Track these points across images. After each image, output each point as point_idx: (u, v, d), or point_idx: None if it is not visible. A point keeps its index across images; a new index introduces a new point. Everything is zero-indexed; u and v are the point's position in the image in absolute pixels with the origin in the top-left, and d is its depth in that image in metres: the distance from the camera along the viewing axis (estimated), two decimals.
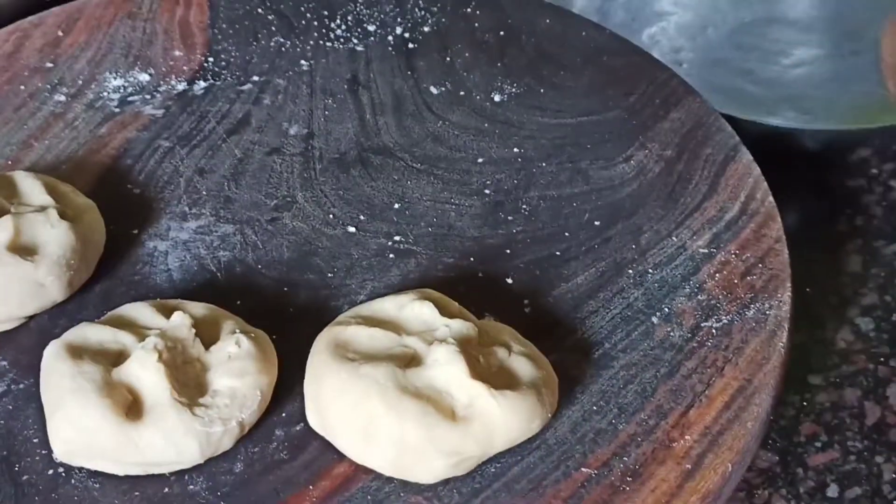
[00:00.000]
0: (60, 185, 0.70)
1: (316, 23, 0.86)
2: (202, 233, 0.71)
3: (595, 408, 0.62)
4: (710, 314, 0.66)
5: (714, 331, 0.65)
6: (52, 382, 0.59)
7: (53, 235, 0.66)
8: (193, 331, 0.60)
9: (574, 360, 0.64)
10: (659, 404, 0.62)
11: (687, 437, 0.61)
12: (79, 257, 0.66)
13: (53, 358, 0.60)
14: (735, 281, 0.68)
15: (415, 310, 0.61)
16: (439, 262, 0.70)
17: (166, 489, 0.59)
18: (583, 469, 0.59)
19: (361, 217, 0.72)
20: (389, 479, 0.59)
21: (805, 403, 0.72)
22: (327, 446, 0.60)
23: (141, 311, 0.62)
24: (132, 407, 0.58)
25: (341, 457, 0.60)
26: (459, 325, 0.60)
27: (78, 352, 0.60)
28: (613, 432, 0.61)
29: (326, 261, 0.70)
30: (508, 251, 0.70)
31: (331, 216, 0.72)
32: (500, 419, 0.57)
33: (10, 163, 0.76)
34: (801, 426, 0.70)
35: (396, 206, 0.73)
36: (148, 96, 0.80)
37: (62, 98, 0.80)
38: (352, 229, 0.72)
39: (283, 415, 0.62)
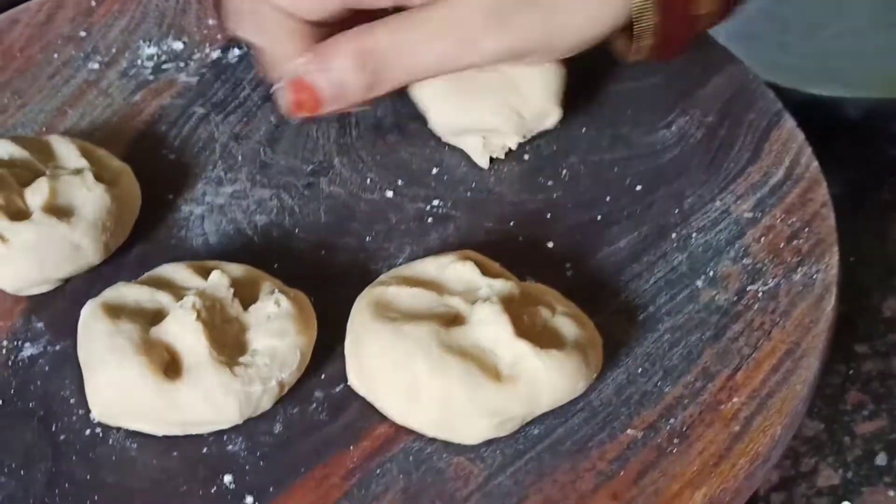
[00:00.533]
0: (96, 150, 0.70)
1: None
2: (238, 197, 0.71)
3: (640, 370, 0.61)
4: (756, 278, 0.65)
5: (760, 294, 0.64)
6: (90, 341, 0.58)
7: (89, 198, 0.65)
8: (232, 290, 0.59)
9: (618, 323, 0.63)
10: (705, 367, 0.61)
11: (735, 399, 0.59)
12: (114, 220, 0.66)
13: (90, 317, 0.59)
14: (781, 245, 0.66)
15: (456, 270, 0.60)
16: (478, 226, 0.69)
17: (205, 449, 0.58)
18: (629, 431, 0.58)
19: (399, 182, 0.71)
20: (431, 440, 0.58)
21: (851, 372, 0.70)
22: (368, 407, 0.59)
23: (178, 272, 0.62)
24: (170, 366, 0.57)
25: (382, 418, 0.59)
26: (502, 285, 0.59)
27: (115, 311, 0.59)
28: (659, 395, 0.60)
29: (364, 224, 0.69)
30: (549, 216, 0.69)
31: (368, 181, 0.71)
32: (546, 378, 0.56)
33: (44, 129, 0.75)
34: (847, 395, 0.69)
35: (434, 171, 0.72)
36: (182, 64, 0.80)
37: (95, 66, 0.79)
38: (389, 194, 0.71)
39: (323, 376, 0.61)
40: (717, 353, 0.61)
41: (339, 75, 0.61)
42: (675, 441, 0.58)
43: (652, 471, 0.57)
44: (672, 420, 0.59)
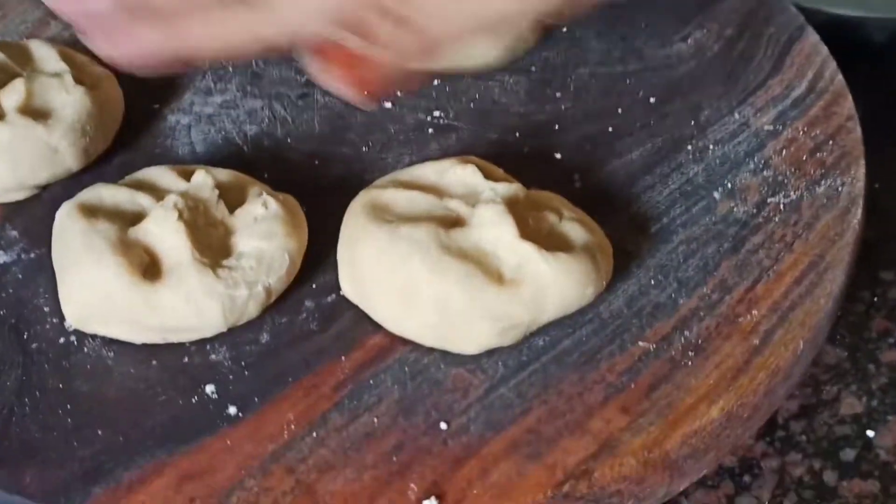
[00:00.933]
0: (77, 55, 0.66)
1: None
2: (227, 107, 0.67)
3: (653, 282, 0.57)
4: (777, 190, 0.61)
5: (782, 206, 0.60)
6: (64, 242, 0.54)
7: (68, 100, 0.61)
8: (217, 192, 0.56)
9: (629, 235, 0.59)
10: (723, 279, 0.57)
11: (754, 311, 0.55)
12: (95, 124, 0.62)
13: (66, 217, 0.55)
14: (803, 157, 0.62)
15: (457, 173, 0.56)
16: (482, 137, 0.65)
17: (186, 359, 0.54)
18: (640, 343, 0.54)
19: (398, 92, 0.67)
20: (429, 350, 0.54)
21: (876, 299, 0.66)
22: (361, 317, 0.55)
23: (161, 175, 0.58)
24: (150, 269, 0.53)
25: (376, 328, 0.55)
26: (506, 187, 0.55)
27: (92, 211, 0.55)
28: (673, 306, 0.56)
29: (361, 135, 0.65)
30: (557, 127, 0.65)
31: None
32: (552, 282, 0.52)
33: (25, 39, 0.71)
34: (871, 322, 0.65)
35: (436, 82, 0.68)
36: None
37: None
38: (388, 104, 0.67)
39: (314, 286, 0.57)
40: (736, 266, 0.57)
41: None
42: (690, 354, 0.54)
43: (664, 384, 0.53)
44: (686, 332, 0.55)
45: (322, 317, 0.56)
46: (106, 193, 0.56)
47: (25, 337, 0.55)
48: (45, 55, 0.64)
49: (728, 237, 0.59)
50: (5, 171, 0.59)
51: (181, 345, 0.54)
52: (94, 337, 0.54)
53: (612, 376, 0.53)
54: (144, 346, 0.54)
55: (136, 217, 0.55)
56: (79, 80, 0.62)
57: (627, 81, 0.68)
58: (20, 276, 0.57)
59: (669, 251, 0.58)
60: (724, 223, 0.59)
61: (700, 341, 0.54)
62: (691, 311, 0.55)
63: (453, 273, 0.52)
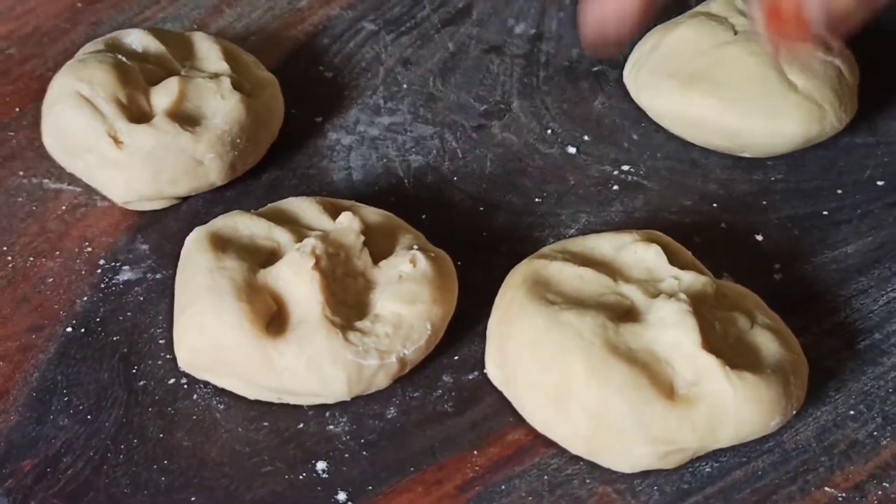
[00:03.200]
0: (242, 55, 0.60)
1: None
2: (395, 131, 0.60)
3: (852, 412, 0.48)
4: None
5: None
6: (189, 275, 0.49)
7: (222, 107, 0.56)
8: (362, 238, 0.49)
9: (831, 348, 0.51)
10: None
11: None
12: (247, 137, 0.56)
13: (194, 246, 0.50)
14: None
15: (638, 252, 0.49)
16: (674, 202, 0.57)
17: (301, 425, 0.48)
18: (826, 488, 0.46)
19: (586, 137, 0.60)
20: (575, 459, 0.47)
21: None
22: (504, 405, 0.48)
23: (305, 208, 0.52)
24: (275, 319, 0.47)
25: (519, 421, 0.48)
26: (693, 279, 0.47)
27: (223, 243, 0.49)
28: (874, 447, 0.47)
29: (535, 182, 0.58)
30: (763, 202, 0.57)
31: (549, 131, 0.60)
32: (733, 407, 0.44)
33: (195, 26, 0.66)
34: None
35: (629, 130, 0.60)
36: None
37: None
38: (572, 150, 0.59)
39: (456, 358, 0.50)
40: None
41: None
42: None
43: None
44: (885, 483, 0.46)
45: (459, 397, 0.49)
46: (242, 223, 0.50)
47: (134, 371, 0.50)
48: (208, 51, 0.59)
49: None
50: (144, 179, 0.54)
51: (298, 408, 0.48)
52: (205, 384, 0.49)
53: None
54: (257, 402, 0.48)
55: (271, 255, 0.49)
56: (238, 85, 0.57)
57: (852, 156, 0.58)
58: (142, 299, 0.52)
59: (878, 376, 0.50)
60: None
61: None
62: (894, 457, 0.46)
63: (617, 379, 0.44)
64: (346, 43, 0.65)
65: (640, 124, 0.60)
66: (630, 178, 0.58)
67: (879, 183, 0.57)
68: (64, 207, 0.56)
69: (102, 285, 0.53)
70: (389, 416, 0.48)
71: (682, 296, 0.46)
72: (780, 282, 0.53)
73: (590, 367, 0.44)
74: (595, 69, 0.63)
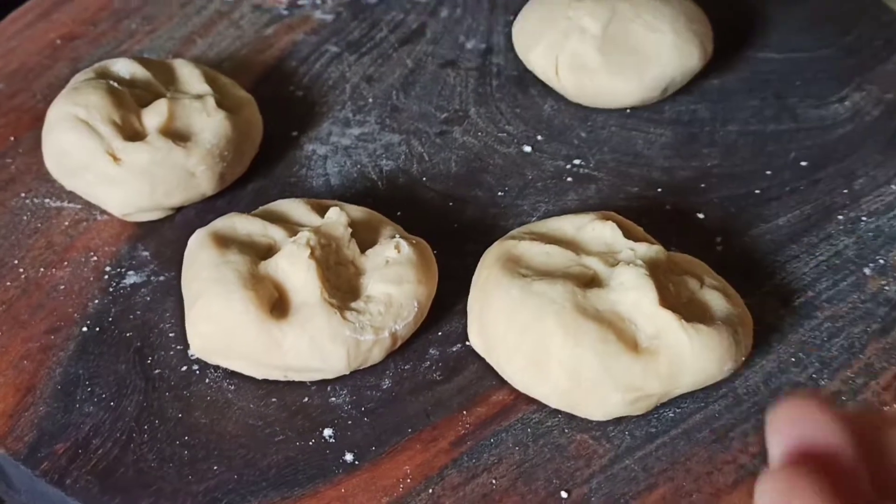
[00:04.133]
0: (220, 77, 0.66)
1: None
2: (365, 140, 0.66)
3: (793, 359, 0.54)
4: None
5: None
6: (195, 271, 0.54)
7: (209, 123, 0.61)
8: (350, 230, 0.55)
9: (771, 306, 0.56)
10: (869, 362, 0.54)
11: None
12: (233, 150, 0.61)
13: (198, 246, 0.55)
14: None
15: (595, 230, 0.54)
16: (623, 190, 0.63)
17: (306, 398, 0.53)
18: None
19: (539, 137, 0.66)
20: (554, 413, 0.52)
21: None
22: (487, 370, 0.53)
23: (295, 207, 0.57)
24: (277, 305, 0.53)
25: (501, 383, 0.53)
26: (647, 248, 0.53)
27: (224, 241, 0.54)
28: (814, 388, 0.53)
29: (497, 178, 0.63)
30: (702, 185, 0.63)
31: (505, 133, 0.66)
32: (690, 355, 0.50)
33: (170, 56, 0.71)
34: None
35: (578, 129, 0.66)
36: (318, 1, 0.75)
37: None
38: (527, 148, 0.65)
39: (440, 334, 0.56)
40: (884, 349, 0.54)
41: None
42: None
43: None
44: None
45: (446, 367, 0.54)
46: (239, 223, 0.56)
47: (149, 362, 0.54)
48: (189, 76, 0.64)
49: (877, 317, 0.56)
50: (142, 192, 0.59)
51: (302, 384, 0.53)
52: (216, 368, 0.54)
53: (745, 457, 0.50)
54: (265, 381, 0.53)
55: (268, 250, 0.55)
56: (220, 104, 0.62)
57: (779, 142, 0.65)
58: (148, 299, 0.57)
59: (813, 328, 0.55)
60: (873, 302, 0.56)
61: None
62: (833, 395, 0.53)
63: (589, 337, 0.50)
64: (312, 64, 0.71)
65: (586, 123, 0.66)
66: (582, 170, 0.64)
67: (803, 163, 0.64)
68: (67, 223, 0.61)
69: (111, 289, 0.58)
70: (385, 387, 0.53)
71: (640, 262, 0.52)
72: (722, 253, 0.59)
73: (563, 328, 0.50)
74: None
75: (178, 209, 0.62)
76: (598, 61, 0.65)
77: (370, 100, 0.68)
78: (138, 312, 0.57)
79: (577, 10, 0.66)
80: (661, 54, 0.65)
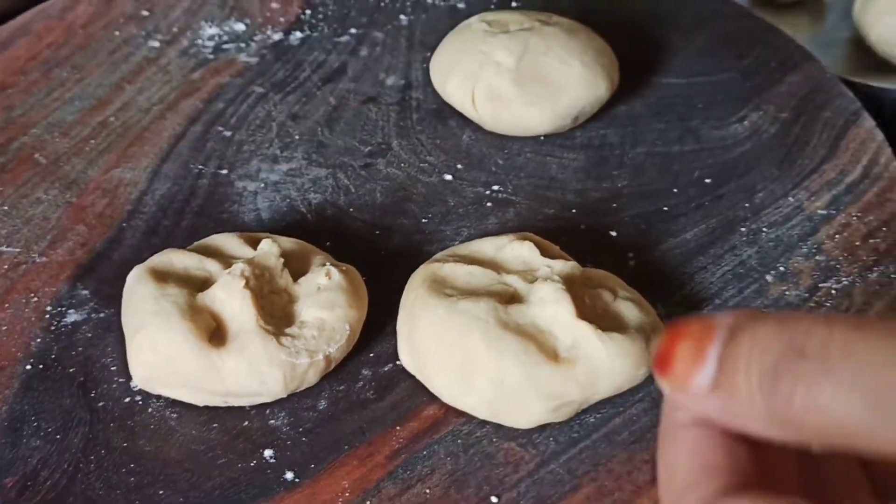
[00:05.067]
0: None
1: None
2: (293, 175, 0.69)
3: None
4: (830, 275, 0.62)
5: (833, 292, 0.61)
6: (134, 305, 0.56)
7: None
8: (282, 260, 0.57)
9: (682, 315, 0.60)
10: None
11: None
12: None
13: (136, 281, 0.57)
14: (856, 243, 0.63)
15: (514, 250, 0.58)
16: (539, 212, 0.66)
17: (246, 422, 0.55)
18: None
19: (459, 166, 0.69)
20: (482, 423, 0.55)
21: None
22: (417, 387, 0.56)
23: (228, 241, 0.60)
24: (216, 333, 0.55)
25: (431, 399, 0.56)
26: (563, 265, 0.56)
27: (162, 276, 0.57)
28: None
29: (421, 206, 0.67)
30: (614, 205, 0.67)
31: (426, 164, 0.69)
32: (606, 362, 0.53)
33: (98, 102, 0.74)
34: None
35: (496, 156, 0.70)
36: (243, 45, 0.78)
37: (156, 44, 0.78)
38: (448, 177, 0.68)
39: (371, 355, 0.58)
40: None
41: None
42: None
43: None
44: None
45: (379, 386, 0.57)
46: (176, 258, 0.58)
47: (93, 395, 0.57)
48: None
49: None
50: None
51: (241, 409, 0.56)
52: (158, 397, 0.56)
53: None
54: (206, 408, 0.56)
55: (204, 283, 0.57)
56: None
57: (684, 161, 0.69)
58: (90, 335, 0.59)
59: None
60: (775, 307, 0.60)
61: None
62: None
63: (511, 350, 0.53)
64: (239, 105, 0.74)
65: (503, 151, 0.70)
66: (500, 195, 0.67)
67: (707, 181, 0.68)
68: (6, 266, 0.63)
69: (52, 328, 0.60)
70: (321, 408, 0.56)
71: (557, 277, 0.55)
72: (635, 267, 0.63)
73: (487, 342, 0.53)
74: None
75: (115, 249, 0.64)
76: (513, 92, 0.69)
77: (296, 137, 0.71)
78: (80, 349, 0.59)
79: (492, 44, 0.70)
80: (572, 85, 0.69)
